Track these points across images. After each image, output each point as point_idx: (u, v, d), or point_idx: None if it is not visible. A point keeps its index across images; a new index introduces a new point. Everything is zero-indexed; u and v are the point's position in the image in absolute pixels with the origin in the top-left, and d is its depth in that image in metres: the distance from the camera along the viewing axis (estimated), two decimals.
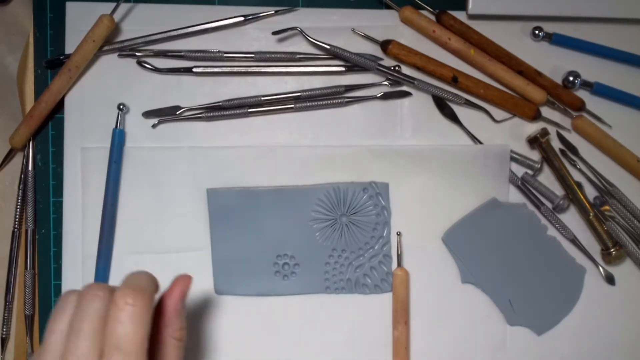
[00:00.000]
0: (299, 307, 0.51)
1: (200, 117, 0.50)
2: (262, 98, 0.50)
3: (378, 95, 0.51)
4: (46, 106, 0.49)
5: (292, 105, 0.50)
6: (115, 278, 0.50)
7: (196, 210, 0.50)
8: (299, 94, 0.50)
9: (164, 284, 0.50)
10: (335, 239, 0.51)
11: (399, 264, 0.51)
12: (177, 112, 0.50)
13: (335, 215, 0.51)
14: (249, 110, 0.50)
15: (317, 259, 0.51)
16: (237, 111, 0.50)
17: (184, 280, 0.38)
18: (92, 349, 0.33)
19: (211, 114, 0.50)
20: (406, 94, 0.51)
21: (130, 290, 0.34)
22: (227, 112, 0.50)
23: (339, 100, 0.50)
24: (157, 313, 0.37)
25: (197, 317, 0.51)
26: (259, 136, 0.51)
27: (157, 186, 0.50)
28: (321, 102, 0.50)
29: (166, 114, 0.50)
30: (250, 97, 0.50)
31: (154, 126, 0.50)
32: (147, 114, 0.50)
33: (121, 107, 0.50)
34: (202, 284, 0.51)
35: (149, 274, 0.37)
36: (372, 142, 0.51)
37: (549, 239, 0.52)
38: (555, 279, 0.52)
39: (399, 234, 0.51)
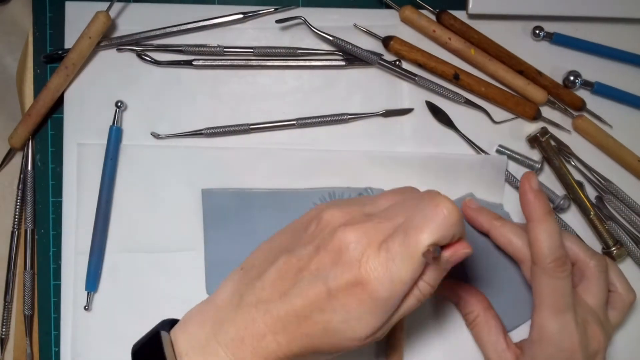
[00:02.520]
0: None
1: (201, 134, 0.49)
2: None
3: (380, 113, 0.49)
4: (44, 105, 0.47)
5: (294, 123, 0.49)
6: (108, 275, 0.48)
7: (190, 210, 0.49)
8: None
9: (155, 284, 0.48)
10: None
11: None
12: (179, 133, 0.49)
13: None
14: (251, 127, 0.49)
15: None
16: (239, 128, 0.49)
17: (462, 247, 0.35)
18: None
19: (211, 131, 0.48)
20: (408, 111, 0.50)
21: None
22: (229, 130, 0.49)
23: (341, 118, 0.49)
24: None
25: None
26: (258, 137, 0.49)
27: (152, 185, 0.48)
28: (323, 120, 0.49)
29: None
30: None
31: (157, 137, 0.49)
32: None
33: (119, 104, 0.48)
34: (194, 285, 0.49)
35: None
36: (371, 147, 0.49)
37: None
38: (520, 284, 0.49)
39: None
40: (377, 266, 0.33)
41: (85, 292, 0.48)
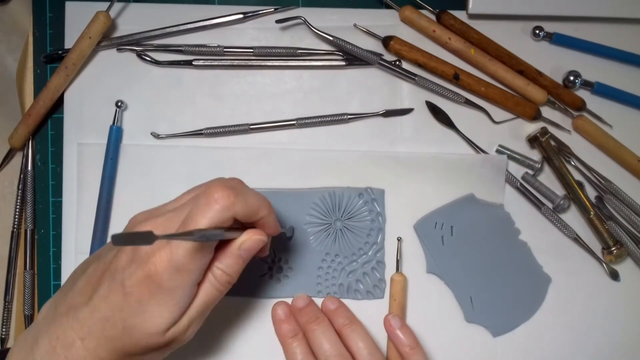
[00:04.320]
0: None
1: (201, 134, 0.48)
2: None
3: (380, 113, 0.49)
4: (44, 105, 0.47)
5: (294, 123, 0.49)
6: None
7: None
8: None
9: None
10: (329, 244, 0.49)
11: (398, 269, 0.49)
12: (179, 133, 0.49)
13: (330, 219, 0.49)
14: (251, 127, 0.48)
15: (310, 263, 0.49)
16: (239, 128, 0.48)
17: (254, 234, 0.36)
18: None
19: (211, 131, 0.48)
20: (408, 111, 0.49)
21: (224, 191, 0.34)
22: (229, 129, 0.48)
23: (341, 118, 0.49)
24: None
25: None
26: (258, 137, 0.49)
27: (152, 184, 0.48)
28: (323, 120, 0.49)
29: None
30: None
31: (157, 137, 0.49)
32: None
33: (119, 103, 0.48)
34: None
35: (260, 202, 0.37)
36: (371, 147, 0.49)
37: (520, 243, 0.49)
38: (520, 284, 0.49)
39: (399, 239, 0.49)
40: (163, 257, 0.34)
41: None
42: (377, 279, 0.49)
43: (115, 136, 0.48)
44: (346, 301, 0.49)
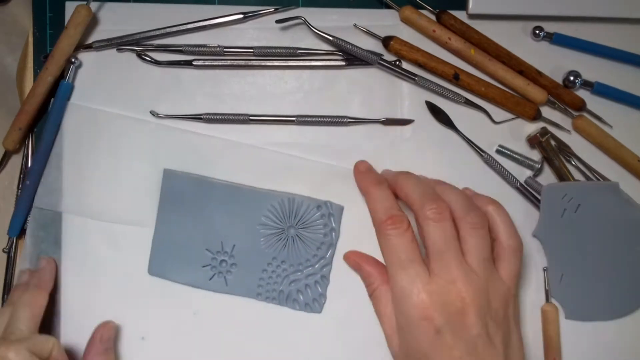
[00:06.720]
0: (225, 307, 0.48)
1: (200, 119, 0.48)
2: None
3: (380, 120, 0.49)
4: (31, 107, 0.47)
5: (294, 119, 0.48)
6: (67, 240, 0.48)
7: (149, 188, 0.48)
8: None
9: (98, 252, 0.48)
10: (278, 249, 0.48)
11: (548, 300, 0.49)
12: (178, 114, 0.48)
13: (284, 225, 0.48)
14: (250, 117, 0.48)
15: (255, 264, 0.48)
16: (238, 117, 0.48)
17: (101, 329, 0.44)
18: None
19: (210, 117, 0.48)
20: (408, 122, 0.49)
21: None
22: (228, 117, 0.48)
23: (341, 121, 0.49)
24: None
25: (124, 293, 0.48)
26: (258, 137, 0.49)
27: (116, 154, 0.48)
28: (322, 121, 0.49)
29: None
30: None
31: (156, 116, 0.48)
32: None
33: (73, 60, 0.47)
34: (137, 262, 0.48)
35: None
36: (371, 148, 0.49)
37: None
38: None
39: (545, 269, 0.49)
40: None
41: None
42: (317, 293, 0.48)
43: (63, 92, 0.47)
44: (282, 309, 0.49)
